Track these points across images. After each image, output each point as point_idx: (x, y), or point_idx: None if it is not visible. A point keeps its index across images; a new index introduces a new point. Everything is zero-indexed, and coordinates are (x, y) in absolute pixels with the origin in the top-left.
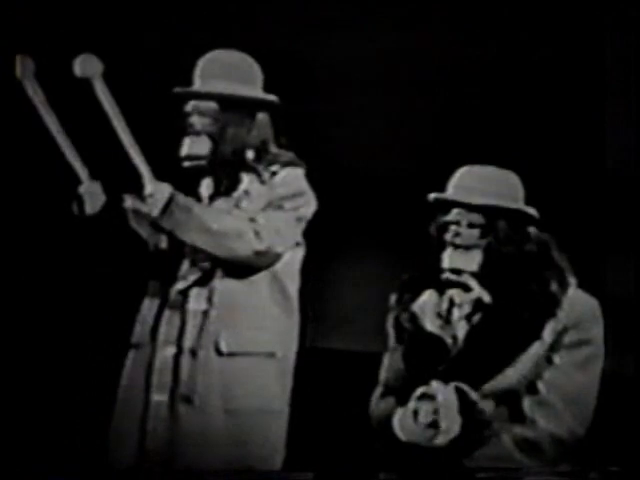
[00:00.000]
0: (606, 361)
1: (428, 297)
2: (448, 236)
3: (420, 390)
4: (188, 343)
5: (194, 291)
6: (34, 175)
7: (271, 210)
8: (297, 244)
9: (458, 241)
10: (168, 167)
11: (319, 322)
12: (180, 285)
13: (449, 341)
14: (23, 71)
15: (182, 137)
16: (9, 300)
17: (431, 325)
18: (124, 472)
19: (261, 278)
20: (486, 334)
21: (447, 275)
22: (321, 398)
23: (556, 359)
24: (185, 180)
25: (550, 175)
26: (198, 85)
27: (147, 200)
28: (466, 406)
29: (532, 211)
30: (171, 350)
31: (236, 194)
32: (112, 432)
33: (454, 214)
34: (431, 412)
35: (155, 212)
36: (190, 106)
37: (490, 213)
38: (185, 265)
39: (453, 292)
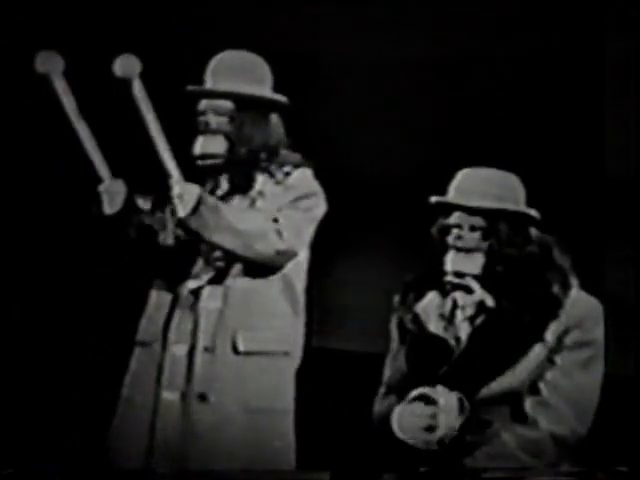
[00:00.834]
0: (606, 362)
1: (431, 299)
2: (450, 239)
3: (422, 391)
4: (202, 342)
5: (207, 290)
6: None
7: (289, 210)
8: None
9: (460, 244)
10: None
11: (322, 322)
12: (192, 284)
13: (452, 342)
14: (51, 67)
15: (194, 135)
16: (15, 298)
17: (434, 326)
18: (133, 472)
19: (274, 277)
20: (489, 335)
21: (450, 278)
22: (323, 398)
23: (558, 360)
24: (192, 177)
25: (550, 176)
26: (211, 84)
27: (175, 201)
28: (464, 416)
29: (533, 213)
30: (183, 348)
31: (252, 194)
32: (117, 431)
33: (456, 217)
34: (430, 416)
35: (184, 213)
36: (204, 105)
37: (492, 216)
38: (198, 264)
39: (456, 294)
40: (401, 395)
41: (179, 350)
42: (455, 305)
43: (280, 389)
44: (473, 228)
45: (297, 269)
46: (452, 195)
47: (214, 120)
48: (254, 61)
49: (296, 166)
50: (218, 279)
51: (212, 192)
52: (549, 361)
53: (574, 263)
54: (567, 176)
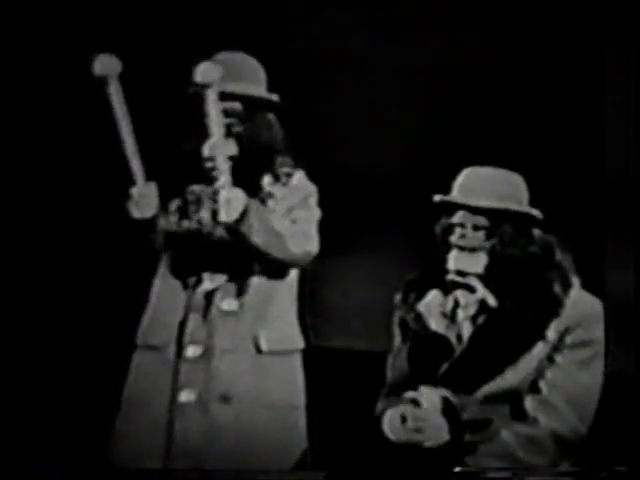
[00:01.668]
0: (606, 361)
1: (433, 297)
2: (453, 238)
3: (409, 394)
4: (221, 343)
5: (223, 291)
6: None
7: (301, 211)
8: None
9: (463, 243)
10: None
11: (323, 321)
12: (207, 286)
13: (454, 341)
14: (109, 70)
15: (195, 134)
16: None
17: (436, 325)
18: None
19: (284, 277)
20: (490, 334)
21: (452, 276)
22: (323, 397)
23: (559, 358)
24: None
25: (550, 176)
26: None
27: (222, 205)
28: (451, 413)
29: (536, 213)
30: (199, 350)
31: (261, 195)
32: (131, 435)
33: (459, 216)
34: (416, 418)
35: (233, 217)
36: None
37: (495, 215)
38: (211, 266)
39: (458, 293)
40: (402, 394)
41: (196, 352)
42: (457, 304)
43: (297, 385)
44: (476, 227)
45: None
46: (456, 194)
47: (225, 121)
48: (252, 62)
49: (294, 167)
50: (234, 280)
51: (214, 194)
52: (550, 360)
53: (575, 263)
54: (567, 176)
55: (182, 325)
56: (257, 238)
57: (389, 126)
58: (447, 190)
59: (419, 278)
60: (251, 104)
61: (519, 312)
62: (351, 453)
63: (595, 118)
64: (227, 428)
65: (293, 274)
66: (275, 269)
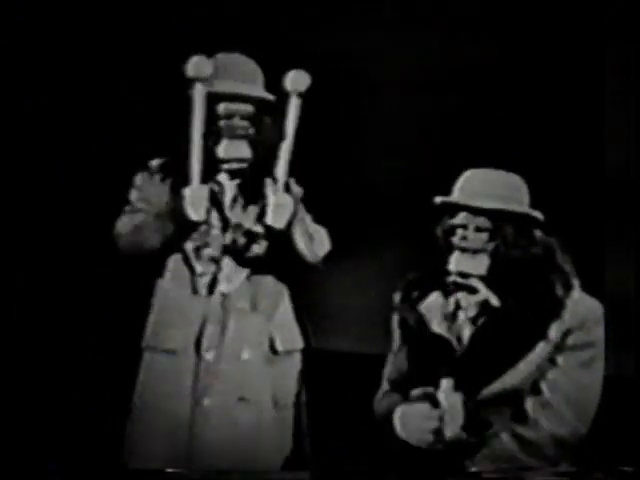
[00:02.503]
0: (606, 362)
1: (434, 299)
2: (455, 239)
3: (426, 390)
4: (240, 345)
5: (238, 292)
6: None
7: (306, 215)
8: None
9: (465, 245)
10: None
11: (323, 322)
12: (224, 288)
13: (454, 342)
14: (202, 72)
15: (216, 139)
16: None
17: (437, 326)
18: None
19: (284, 278)
20: (491, 336)
21: (454, 278)
22: (320, 399)
23: (559, 360)
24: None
25: (550, 177)
26: (224, 87)
27: (273, 211)
28: (469, 417)
29: (538, 214)
30: (218, 353)
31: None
32: (145, 438)
33: (461, 218)
34: (435, 418)
35: (282, 222)
36: (229, 108)
37: (497, 217)
38: (226, 267)
39: (459, 294)
40: (403, 393)
41: (215, 355)
42: (458, 305)
43: (300, 383)
44: (478, 229)
45: None
46: (457, 195)
47: (240, 124)
48: (253, 64)
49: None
50: (249, 282)
51: (219, 196)
52: (550, 361)
53: (575, 264)
54: (567, 176)
55: (200, 328)
56: (298, 243)
57: (390, 128)
58: (448, 191)
59: (420, 279)
60: (262, 107)
61: (520, 314)
62: (346, 452)
63: (595, 118)
64: (247, 429)
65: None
66: (284, 271)
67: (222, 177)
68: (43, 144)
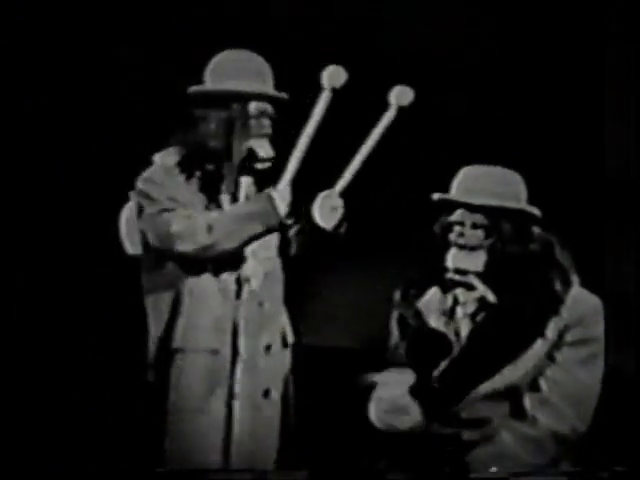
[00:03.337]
0: (606, 359)
1: (433, 295)
2: (452, 236)
3: (376, 378)
4: (265, 340)
5: (262, 288)
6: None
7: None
8: None
9: (462, 241)
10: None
11: (312, 319)
12: (254, 284)
13: (452, 338)
14: (337, 82)
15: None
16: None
17: (435, 323)
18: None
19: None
20: (489, 332)
21: (451, 275)
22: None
23: (558, 357)
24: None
25: (550, 176)
26: (239, 86)
27: (327, 213)
28: (422, 395)
29: (535, 211)
30: (250, 350)
31: None
32: (185, 437)
33: (458, 214)
34: (390, 399)
35: (332, 225)
36: (258, 108)
37: (494, 214)
38: (250, 263)
39: (457, 291)
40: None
41: (248, 352)
42: (456, 302)
43: (290, 378)
44: (475, 226)
45: None
46: (455, 192)
47: (267, 123)
48: (264, 61)
49: None
50: (271, 276)
51: (235, 194)
52: (549, 358)
53: (575, 261)
54: (567, 176)
55: (234, 326)
56: (339, 241)
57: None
58: (446, 188)
59: (418, 276)
60: (278, 105)
61: (518, 310)
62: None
63: (595, 117)
64: (272, 424)
65: None
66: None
67: (234, 173)
68: (43, 144)
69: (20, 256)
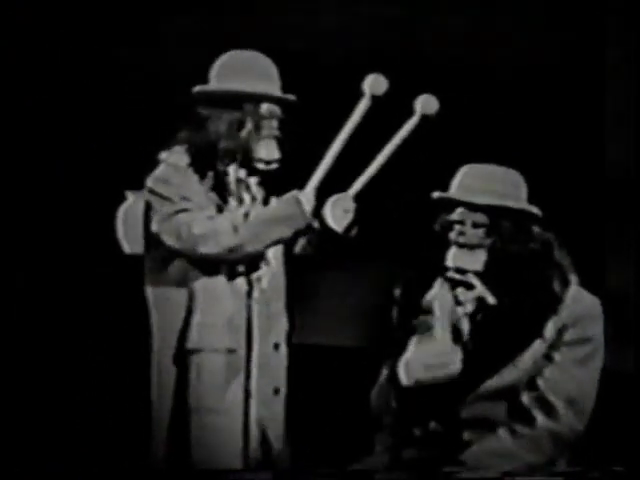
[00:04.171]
0: (606, 359)
1: (433, 294)
2: (452, 235)
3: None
4: (273, 338)
5: (271, 287)
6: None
7: None
8: None
9: (462, 240)
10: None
11: (311, 318)
12: (264, 283)
13: (452, 337)
14: (378, 89)
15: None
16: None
17: (436, 320)
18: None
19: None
20: (488, 331)
21: (451, 274)
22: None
23: (556, 356)
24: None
25: (550, 176)
26: (265, 88)
27: (341, 216)
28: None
29: (536, 210)
30: (264, 348)
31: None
32: (207, 439)
33: (458, 213)
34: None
35: (342, 227)
36: (269, 110)
37: (494, 213)
38: (260, 262)
39: (457, 290)
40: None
41: (262, 351)
42: (456, 301)
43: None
44: (476, 225)
45: None
46: (454, 191)
47: (275, 126)
48: (271, 62)
49: None
50: (277, 277)
51: (241, 196)
52: (547, 357)
53: (574, 260)
54: (567, 174)
55: (247, 325)
56: (349, 243)
57: (388, 122)
58: (446, 187)
59: (418, 275)
60: (287, 107)
61: (517, 309)
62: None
63: (595, 115)
64: (281, 423)
65: None
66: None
67: (242, 173)
68: (43, 144)
69: (19, 256)
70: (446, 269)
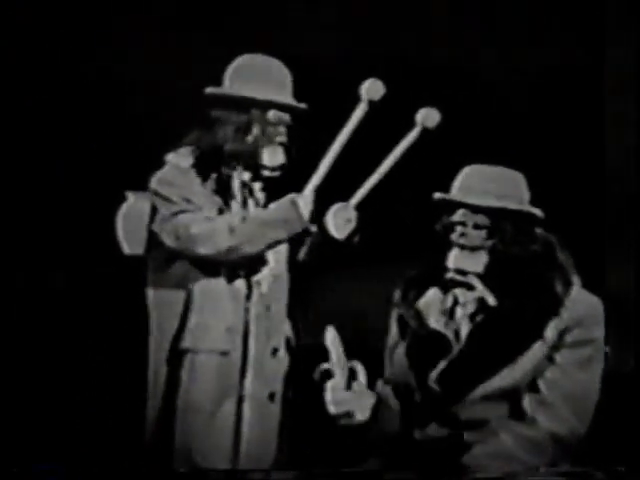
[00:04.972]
0: (606, 360)
1: (432, 295)
2: (454, 236)
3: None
4: (272, 343)
5: (271, 291)
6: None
7: None
8: None
9: (464, 242)
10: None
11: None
12: (264, 287)
13: (452, 339)
14: (375, 95)
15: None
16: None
17: (435, 322)
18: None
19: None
20: (489, 333)
21: (452, 275)
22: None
23: (558, 358)
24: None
25: (550, 176)
26: (275, 95)
27: (342, 224)
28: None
29: (537, 212)
30: (261, 352)
31: None
32: (201, 442)
33: (460, 215)
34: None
35: (343, 235)
36: (277, 117)
37: (496, 214)
38: (260, 266)
39: (457, 291)
40: (396, 389)
41: (259, 354)
42: (456, 302)
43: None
44: (477, 226)
45: None
46: (456, 192)
47: (283, 131)
48: (285, 68)
49: None
50: (277, 282)
51: (245, 199)
52: (549, 359)
53: (575, 262)
54: (568, 176)
55: (245, 328)
56: (350, 251)
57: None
58: (447, 188)
59: (419, 276)
60: (296, 114)
61: (519, 311)
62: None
63: (595, 116)
64: (276, 426)
65: None
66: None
67: (246, 177)
68: (43, 144)
69: (19, 256)
70: (447, 270)
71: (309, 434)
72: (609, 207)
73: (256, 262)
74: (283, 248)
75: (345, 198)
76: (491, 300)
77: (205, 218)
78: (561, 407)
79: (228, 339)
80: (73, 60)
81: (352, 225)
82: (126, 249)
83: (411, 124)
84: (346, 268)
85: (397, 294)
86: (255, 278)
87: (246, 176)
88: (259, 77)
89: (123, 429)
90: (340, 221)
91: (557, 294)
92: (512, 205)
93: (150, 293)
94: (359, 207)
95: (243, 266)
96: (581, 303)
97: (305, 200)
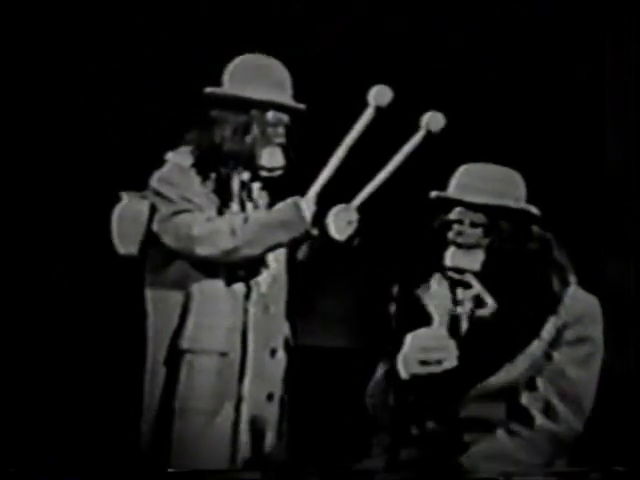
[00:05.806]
0: (606, 359)
1: (430, 293)
2: (451, 234)
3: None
4: (271, 344)
5: (270, 292)
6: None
7: None
8: None
9: (461, 240)
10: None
11: (310, 320)
12: (263, 288)
13: (450, 336)
14: (383, 101)
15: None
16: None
17: (432, 320)
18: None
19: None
20: (487, 330)
21: (449, 274)
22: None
23: (555, 356)
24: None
25: (550, 175)
26: (275, 96)
27: (344, 226)
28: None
29: (534, 210)
30: (260, 353)
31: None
32: (199, 442)
33: (457, 213)
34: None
35: (344, 236)
36: (276, 118)
37: (493, 212)
38: (260, 266)
39: (455, 289)
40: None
41: (258, 355)
42: (454, 300)
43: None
44: (474, 224)
45: None
46: (453, 190)
47: (282, 132)
48: (284, 68)
49: None
50: (277, 283)
51: (244, 200)
52: (546, 357)
53: (573, 260)
54: (567, 175)
55: (243, 329)
56: (350, 252)
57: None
58: (444, 186)
59: (416, 274)
60: (295, 115)
61: (516, 309)
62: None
63: (595, 114)
64: (274, 427)
65: None
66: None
67: (245, 178)
68: (42, 144)
69: (18, 256)
70: (444, 268)
71: (310, 433)
72: (609, 207)
73: (255, 263)
74: (282, 249)
75: (347, 200)
76: (488, 298)
77: (206, 219)
78: (559, 406)
79: (227, 340)
80: (73, 60)
81: (353, 227)
82: (120, 249)
83: (414, 126)
84: (343, 267)
85: (395, 291)
86: (254, 279)
87: (245, 176)
88: (258, 77)
89: (120, 430)
90: (341, 223)
91: (554, 292)
92: (509, 203)
93: (148, 294)
94: (361, 209)
95: (242, 267)
96: (579, 301)
97: (308, 203)
